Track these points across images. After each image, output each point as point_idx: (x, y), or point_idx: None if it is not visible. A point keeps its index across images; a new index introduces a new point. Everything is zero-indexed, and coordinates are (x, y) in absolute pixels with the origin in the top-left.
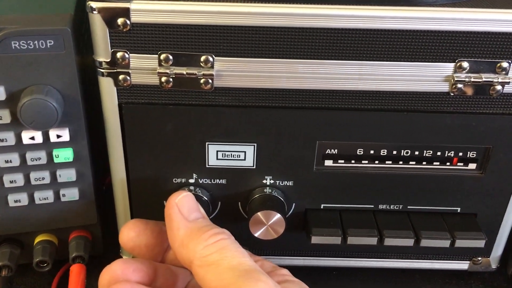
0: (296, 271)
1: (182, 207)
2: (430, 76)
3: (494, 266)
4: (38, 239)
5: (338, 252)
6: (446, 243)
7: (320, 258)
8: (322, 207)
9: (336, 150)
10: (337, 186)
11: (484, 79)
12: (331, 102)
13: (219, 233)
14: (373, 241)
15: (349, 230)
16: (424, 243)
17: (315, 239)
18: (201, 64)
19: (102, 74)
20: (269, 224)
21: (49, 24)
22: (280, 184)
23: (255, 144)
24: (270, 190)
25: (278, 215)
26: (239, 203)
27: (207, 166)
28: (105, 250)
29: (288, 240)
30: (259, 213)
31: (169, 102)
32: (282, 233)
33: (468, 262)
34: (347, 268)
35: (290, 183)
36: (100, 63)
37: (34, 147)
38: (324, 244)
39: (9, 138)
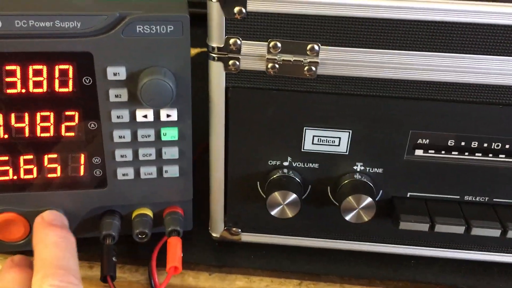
0: (377, 257)
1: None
2: None
3: None
4: (136, 212)
5: (419, 241)
6: None
7: (400, 246)
8: (408, 196)
9: (427, 140)
10: (425, 176)
11: None
12: (427, 93)
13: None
14: (460, 230)
15: (437, 218)
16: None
17: (403, 225)
18: (307, 52)
19: (214, 59)
20: (360, 207)
21: (170, 11)
22: (370, 171)
23: (350, 131)
24: (360, 176)
25: (369, 199)
26: (329, 187)
27: (302, 150)
28: (194, 226)
29: (372, 226)
30: (350, 197)
31: (273, 87)
32: (373, 217)
33: None
34: (425, 257)
35: (380, 170)
36: (213, 48)
37: (145, 124)
38: (408, 231)
39: (125, 115)
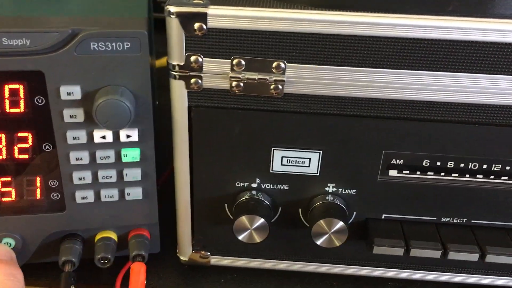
0: (352, 280)
1: None
2: (504, 89)
3: None
4: (99, 235)
5: (396, 263)
6: None
7: (377, 269)
8: (383, 217)
9: (401, 161)
10: (400, 197)
11: None
12: (400, 112)
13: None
14: (436, 254)
15: (412, 242)
16: (490, 258)
17: (377, 249)
18: (272, 70)
19: (175, 77)
20: (331, 232)
21: (127, 27)
22: (343, 192)
23: (321, 151)
24: (332, 198)
25: (341, 223)
26: (300, 209)
27: (271, 171)
28: (162, 248)
29: (346, 249)
30: (321, 221)
31: (238, 106)
32: (346, 241)
33: None
34: (403, 279)
35: (353, 191)
36: (174, 66)
37: (104, 145)
38: (383, 255)
39: (82, 136)
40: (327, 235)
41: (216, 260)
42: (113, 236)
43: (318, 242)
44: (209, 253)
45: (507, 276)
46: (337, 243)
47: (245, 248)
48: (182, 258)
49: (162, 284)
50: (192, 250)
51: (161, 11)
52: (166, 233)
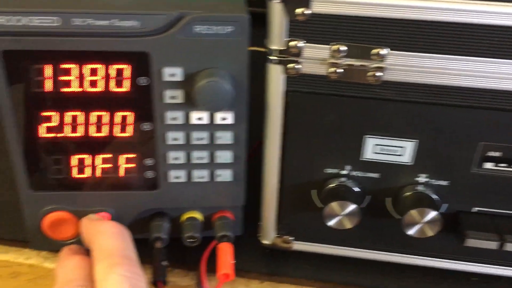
0: (434, 273)
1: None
2: None
3: None
4: (185, 215)
5: (483, 258)
6: None
7: (463, 263)
8: (474, 210)
9: (499, 153)
10: (494, 190)
11: None
12: (500, 102)
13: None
14: None
15: (508, 236)
16: None
17: (470, 242)
18: (372, 56)
19: (272, 62)
20: (424, 221)
21: (229, 10)
22: (434, 183)
23: (416, 141)
24: (423, 188)
25: (434, 213)
26: (388, 198)
27: (361, 158)
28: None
29: (431, 241)
30: (413, 211)
31: (334, 92)
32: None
33: None
34: (488, 274)
35: (445, 183)
36: (273, 51)
37: (199, 127)
38: (472, 248)
39: (179, 117)
40: (419, 225)
41: (299, 246)
42: (199, 216)
43: (410, 232)
44: (292, 238)
45: None
46: (430, 233)
47: (328, 235)
48: (264, 241)
49: (243, 266)
50: (276, 235)
51: None
52: (247, 216)
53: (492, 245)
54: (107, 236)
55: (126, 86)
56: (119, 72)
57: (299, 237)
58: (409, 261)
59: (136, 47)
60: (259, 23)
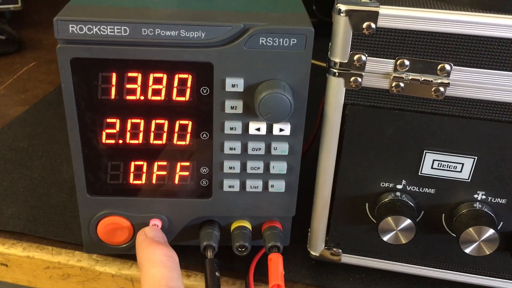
0: None
1: (147, 229)
2: None
3: None
4: (235, 224)
5: None
6: None
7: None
8: None
9: None
10: None
11: None
12: None
13: (159, 248)
14: None
15: None
16: None
17: None
18: (437, 72)
19: (334, 74)
20: (481, 240)
21: (294, 23)
22: (492, 200)
23: (475, 157)
24: (480, 206)
25: (491, 231)
26: (443, 215)
27: (419, 173)
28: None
29: (484, 259)
30: (470, 229)
31: (395, 107)
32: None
33: None
34: None
35: (503, 201)
36: (335, 63)
37: (257, 137)
38: None
39: (238, 127)
40: (476, 243)
41: (347, 259)
42: (248, 225)
43: (467, 250)
44: (341, 251)
45: None
46: (487, 252)
47: (378, 249)
48: (312, 253)
49: (290, 277)
50: (325, 247)
51: None
52: (294, 225)
53: None
54: (153, 265)
55: (188, 96)
56: (182, 81)
57: (347, 250)
58: (461, 279)
59: (200, 58)
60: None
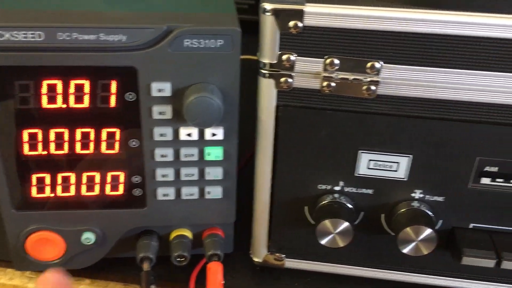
0: None
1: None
2: None
3: None
4: (174, 233)
5: (480, 275)
6: None
7: (460, 280)
8: (471, 227)
9: (496, 168)
10: (491, 206)
11: None
12: (497, 117)
13: None
14: None
15: (505, 254)
16: None
17: (466, 260)
18: (367, 70)
19: (264, 75)
20: (419, 240)
21: (220, 23)
22: (430, 199)
23: (411, 156)
24: (418, 204)
25: (429, 230)
26: (383, 215)
27: (355, 174)
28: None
29: (427, 258)
30: (408, 228)
31: (327, 107)
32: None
33: None
34: None
35: (441, 198)
36: (264, 64)
37: (189, 143)
38: (470, 266)
39: (168, 133)
40: (414, 243)
41: (291, 263)
42: (188, 234)
43: (405, 250)
44: (284, 256)
45: None
46: (425, 252)
47: (321, 252)
48: (255, 259)
49: (234, 284)
50: (267, 252)
51: None
52: (237, 232)
53: (490, 263)
54: None
55: (112, 102)
56: (106, 87)
57: (291, 255)
58: (405, 279)
59: (123, 62)
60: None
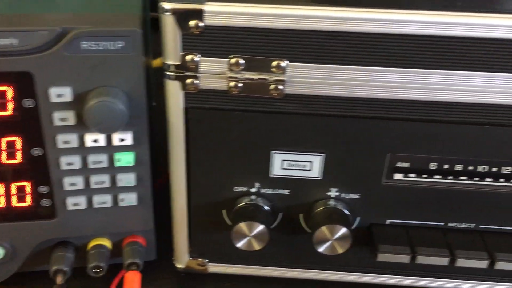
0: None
1: None
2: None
3: None
4: (92, 243)
5: (402, 270)
6: None
7: (382, 276)
8: (388, 223)
9: (407, 164)
10: (406, 201)
11: None
12: (405, 112)
13: None
14: (444, 261)
15: (419, 249)
16: (500, 265)
17: (382, 257)
18: (272, 69)
19: (170, 78)
20: (334, 239)
21: (120, 24)
22: (346, 196)
23: (323, 154)
24: (334, 203)
25: (344, 229)
26: (301, 214)
27: (270, 175)
28: (158, 255)
29: (349, 255)
30: (323, 227)
31: (236, 108)
32: (349, 248)
33: None
34: (409, 287)
35: (356, 196)
36: (169, 66)
37: (96, 150)
38: (389, 262)
39: (73, 140)
40: (329, 242)
41: (215, 268)
42: (107, 243)
43: (320, 250)
44: (206, 261)
45: None
46: (340, 251)
47: (245, 255)
48: (178, 265)
49: None
50: (189, 257)
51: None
52: (163, 239)
53: (405, 258)
54: None
55: (10, 110)
56: (1, 94)
57: (214, 259)
58: (329, 277)
59: (17, 67)
60: None
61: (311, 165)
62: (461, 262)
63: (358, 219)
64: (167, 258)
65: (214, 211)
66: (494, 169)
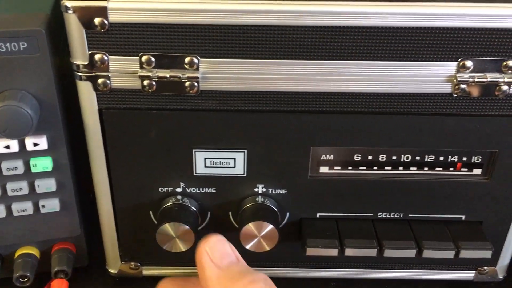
0: (293, 283)
1: (213, 253)
2: (431, 76)
3: (501, 276)
4: (18, 252)
5: (336, 263)
6: (450, 254)
7: (317, 270)
8: (318, 216)
9: (331, 156)
10: (334, 194)
11: (489, 79)
12: (325, 105)
13: (254, 281)
14: (372, 252)
15: (347, 241)
16: (427, 254)
17: (310, 251)
18: (185, 66)
19: (80, 78)
20: (261, 236)
21: (22, 25)
22: (273, 192)
23: (245, 151)
24: (262, 199)
25: (270, 226)
26: (230, 212)
27: (194, 174)
28: (90, 261)
29: (284, 250)
30: (250, 224)
31: (152, 107)
32: (276, 245)
33: (474, 272)
34: (345, 279)
35: (284, 191)
36: (78, 66)
37: (9, 156)
38: (318, 256)
39: None
40: (256, 239)
41: (148, 271)
42: (35, 252)
43: (247, 247)
44: (139, 264)
45: (446, 270)
46: (267, 248)
47: (177, 256)
48: (111, 270)
49: None
50: (121, 262)
51: None
52: (97, 244)
53: (333, 252)
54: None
55: None
56: None
57: (146, 262)
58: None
59: None
60: None
61: (234, 162)
62: (389, 252)
63: (288, 214)
64: (101, 264)
65: (141, 213)
66: (417, 157)
